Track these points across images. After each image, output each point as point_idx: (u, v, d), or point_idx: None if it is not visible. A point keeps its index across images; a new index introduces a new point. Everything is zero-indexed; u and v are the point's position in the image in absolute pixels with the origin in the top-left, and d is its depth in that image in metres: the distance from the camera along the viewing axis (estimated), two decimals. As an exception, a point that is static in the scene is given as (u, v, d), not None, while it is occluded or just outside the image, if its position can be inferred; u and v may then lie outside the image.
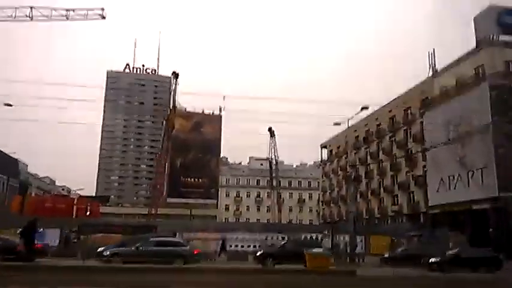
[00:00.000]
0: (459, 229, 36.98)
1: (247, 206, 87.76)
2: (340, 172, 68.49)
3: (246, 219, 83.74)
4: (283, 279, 13.02)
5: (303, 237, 30.00)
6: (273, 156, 72.43)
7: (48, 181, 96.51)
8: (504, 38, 38.38)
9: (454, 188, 38.99)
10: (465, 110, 37.26)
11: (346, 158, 66.08)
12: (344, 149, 66.85)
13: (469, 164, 37.13)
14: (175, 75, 60.62)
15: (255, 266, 20.66)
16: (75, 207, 63.76)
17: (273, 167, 73.91)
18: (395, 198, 52.00)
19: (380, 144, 55.94)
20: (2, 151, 61.03)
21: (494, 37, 38.08)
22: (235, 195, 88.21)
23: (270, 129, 69.35)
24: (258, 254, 23.53)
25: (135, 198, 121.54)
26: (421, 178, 45.53)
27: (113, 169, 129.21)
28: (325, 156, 75.90)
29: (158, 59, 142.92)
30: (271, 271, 17.63)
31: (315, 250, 15.94)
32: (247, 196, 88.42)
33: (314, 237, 29.88)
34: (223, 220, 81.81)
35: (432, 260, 22.61)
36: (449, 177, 39.77)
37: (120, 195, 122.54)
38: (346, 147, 65.74)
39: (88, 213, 45.62)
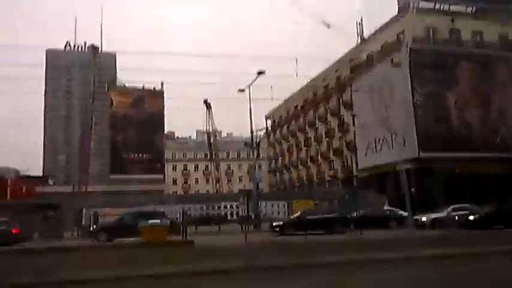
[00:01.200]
0: (386, 190, 39.05)
1: (196, 179, 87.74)
2: (283, 141, 69.72)
3: (196, 191, 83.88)
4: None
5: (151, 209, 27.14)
6: (211, 129, 72.05)
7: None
8: (423, 4, 39.58)
9: (380, 150, 40.74)
10: (388, 75, 38.59)
11: (288, 127, 67.27)
12: (286, 118, 67.90)
13: (393, 127, 38.77)
14: (94, 49, 57.19)
15: (89, 243, 19.33)
16: (9, 189, 61.35)
17: (211, 139, 73.88)
18: (332, 164, 53.71)
19: (316, 112, 57.14)
20: None
21: (415, 4, 39.13)
22: (182, 168, 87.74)
23: (205, 102, 68.85)
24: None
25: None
26: (352, 143, 47.16)
27: (59, 149, 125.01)
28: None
29: (101, 35, 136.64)
30: (102, 246, 16.79)
31: (151, 221, 14.86)
32: (195, 169, 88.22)
33: (234, 206, 30.40)
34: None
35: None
36: (375, 140, 41.44)
37: (68, 175, 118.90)
38: (288, 116, 66.80)
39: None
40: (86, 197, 49.88)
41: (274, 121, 74.26)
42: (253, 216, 28.09)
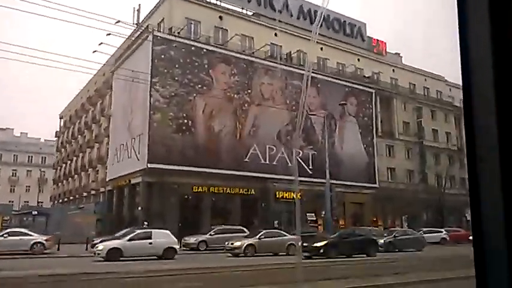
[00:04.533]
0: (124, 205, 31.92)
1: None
2: (73, 141, 58.47)
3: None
4: None
5: None
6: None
7: None
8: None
9: (122, 160, 33.44)
10: (139, 66, 31.60)
11: (79, 124, 56.42)
12: (76, 115, 57.22)
13: (134, 132, 31.82)
14: None
15: None
16: None
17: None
18: (97, 174, 44.92)
19: (93, 111, 48.12)
20: None
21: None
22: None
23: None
24: None
25: None
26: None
27: None
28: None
29: None
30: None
31: None
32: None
33: None
34: None
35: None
36: (120, 147, 34.08)
37: None
38: (77, 113, 56.31)
39: None
40: None
41: (65, 120, 62.82)
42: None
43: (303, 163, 35.29)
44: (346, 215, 37.64)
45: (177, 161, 29.17)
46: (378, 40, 43.66)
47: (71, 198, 52.45)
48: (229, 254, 19.60)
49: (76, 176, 51.91)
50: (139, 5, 39.97)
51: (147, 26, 31.84)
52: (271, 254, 20.07)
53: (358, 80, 41.38)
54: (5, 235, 18.96)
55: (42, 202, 61.84)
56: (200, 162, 29.81)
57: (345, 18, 43.05)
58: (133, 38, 33.67)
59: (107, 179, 36.66)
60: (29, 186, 73.29)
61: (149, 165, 28.58)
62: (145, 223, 26.40)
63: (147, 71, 29.81)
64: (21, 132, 78.97)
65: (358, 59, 42.74)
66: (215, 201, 31.35)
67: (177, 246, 18.05)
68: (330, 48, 40.27)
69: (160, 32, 31.55)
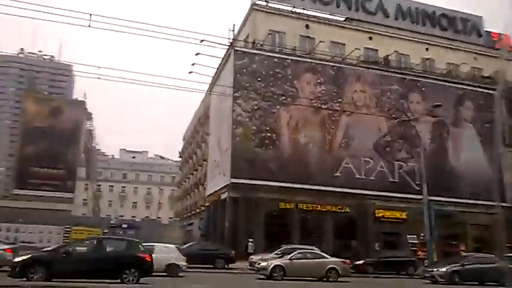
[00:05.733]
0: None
1: (110, 201, 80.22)
2: (190, 160, 62.39)
3: (107, 215, 76.36)
4: None
5: None
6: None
7: None
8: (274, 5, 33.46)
9: (215, 176, 34.00)
10: (225, 83, 32.05)
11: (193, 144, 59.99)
12: (191, 135, 61.08)
13: (221, 147, 32.15)
14: None
15: None
16: None
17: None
18: (204, 190, 46.51)
19: (202, 131, 50.44)
20: None
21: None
22: (95, 189, 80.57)
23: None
24: None
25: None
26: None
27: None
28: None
29: (60, 44, 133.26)
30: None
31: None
32: (109, 190, 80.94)
33: None
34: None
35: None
36: (214, 162, 34.78)
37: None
38: (191, 134, 60.07)
39: None
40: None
41: (185, 141, 67.47)
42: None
43: (407, 177, 31.50)
44: (468, 238, 32.25)
45: (260, 176, 28.32)
46: (499, 34, 37.12)
47: (188, 214, 55.54)
48: (260, 276, 17.09)
49: (192, 193, 54.84)
50: (234, 25, 40.98)
51: (231, 42, 32.12)
52: (304, 278, 17.11)
53: (476, 81, 35.65)
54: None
55: (160, 217, 66.70)
56: (286, 177, 28.50)
57: (455, 13, 37.78)
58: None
59: (206, 196, 37.61)
60: (161, 203, 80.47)
61: (232, 180, 28.28)
62: (250, 240, 25.99)
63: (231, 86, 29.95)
64: (154, 154, 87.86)
65: (475, 58, 36.90)
66: (304, 218, 29.56)
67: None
68: (438, 48, 35.65)
69: (242, 47, 31.51)
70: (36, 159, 74.51)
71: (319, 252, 18.38)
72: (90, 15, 14.37)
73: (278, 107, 30.10)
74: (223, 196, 31.06)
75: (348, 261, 17.92)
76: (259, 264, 17.69)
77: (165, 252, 15.96)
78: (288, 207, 29.00)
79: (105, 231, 28.71)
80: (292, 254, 17.58)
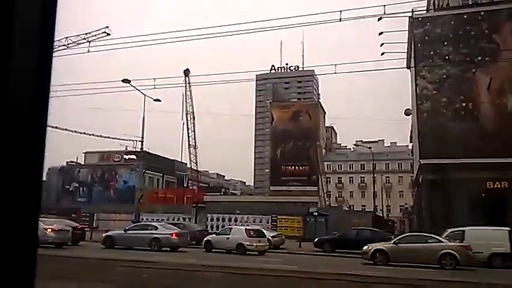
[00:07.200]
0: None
1: (351, 192, 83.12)
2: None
3: (350, 206, 79.54)
4: None
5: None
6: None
7: (215, 176, 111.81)
8: None
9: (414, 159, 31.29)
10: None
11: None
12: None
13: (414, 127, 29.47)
14: (186, 72, 57.44)
15: None
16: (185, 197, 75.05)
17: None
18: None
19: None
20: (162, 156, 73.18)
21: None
22: (337, 181, 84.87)
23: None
24: None
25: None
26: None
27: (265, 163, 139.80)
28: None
29: (302, 55, 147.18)
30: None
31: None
32: (350, 182, 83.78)
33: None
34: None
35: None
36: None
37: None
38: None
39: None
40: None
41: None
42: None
43: None
44: None
45: (456, 154, 24.70)
46: None
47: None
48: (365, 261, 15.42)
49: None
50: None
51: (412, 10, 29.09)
52: (412, 264, 14.49)
53: None
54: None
55: (377, 206, 63.82)
56: (491, 151, 23.94)
57: None
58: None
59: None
60: (401, 191, 78.11)
61: (421, 161, 25.74)
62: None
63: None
64: (390, 142, 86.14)
65: None
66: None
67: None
68: None
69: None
70: (284, 159, 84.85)
71: (435, 236, 15.19)
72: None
73: (474, 70, 25.55)
74: (420, 179, 28.54)
75: (469, 245, 14.03)
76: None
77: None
78: (499, 186, 24.14)
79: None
80: (400, 236, 16.38)
